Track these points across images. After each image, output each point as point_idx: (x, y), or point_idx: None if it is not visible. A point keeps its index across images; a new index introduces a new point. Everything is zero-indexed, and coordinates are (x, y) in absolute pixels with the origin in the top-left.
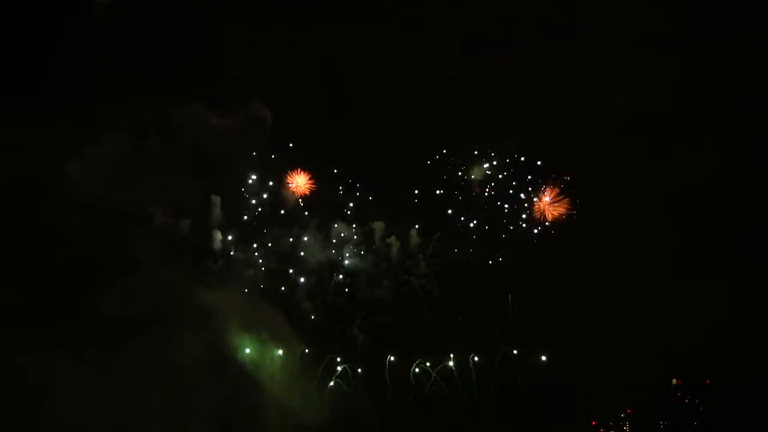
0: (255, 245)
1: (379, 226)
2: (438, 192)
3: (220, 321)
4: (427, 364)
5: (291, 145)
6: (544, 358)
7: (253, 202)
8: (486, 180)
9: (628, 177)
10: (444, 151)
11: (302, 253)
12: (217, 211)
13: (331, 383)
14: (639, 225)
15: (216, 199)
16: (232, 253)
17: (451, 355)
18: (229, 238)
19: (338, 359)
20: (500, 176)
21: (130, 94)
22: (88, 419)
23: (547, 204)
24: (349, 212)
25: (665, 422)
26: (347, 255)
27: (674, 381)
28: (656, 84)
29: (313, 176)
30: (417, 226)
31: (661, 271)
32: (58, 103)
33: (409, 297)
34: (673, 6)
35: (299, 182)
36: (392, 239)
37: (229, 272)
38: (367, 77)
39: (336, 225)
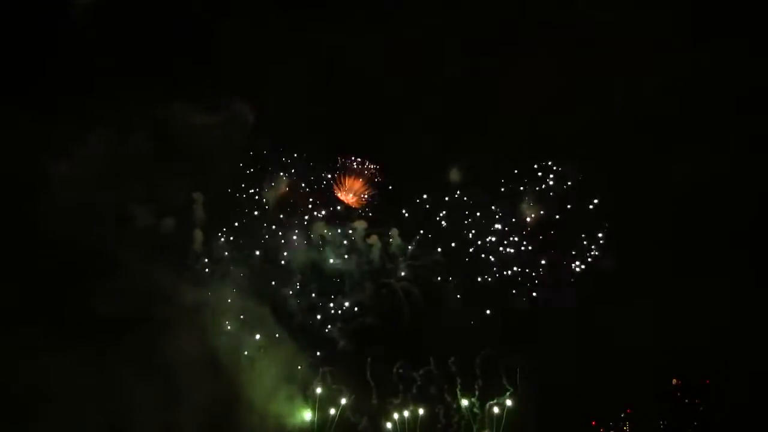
0: (241, 244)
1: (360, 225)
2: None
3: (206, 320)
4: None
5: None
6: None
7: (242, 201)
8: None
9: (630, 177)
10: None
11: (286, 254)
12: (204, 211)
13: (318, 383)
14: (639, 225)
15: (207, 199)
16: (217, 252)
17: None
18: (219, 238)
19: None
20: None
21: (128, 94)
22: (73, 415)
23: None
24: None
25: (665, 422)
26: (330, 256)
27: (674, 381)
28: (658, 85)
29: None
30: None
31: (662, 271)
32: (60, 102)
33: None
34: (676, 6)
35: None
36: (373, 239)
37: (215, 271)
38: (363, 77)
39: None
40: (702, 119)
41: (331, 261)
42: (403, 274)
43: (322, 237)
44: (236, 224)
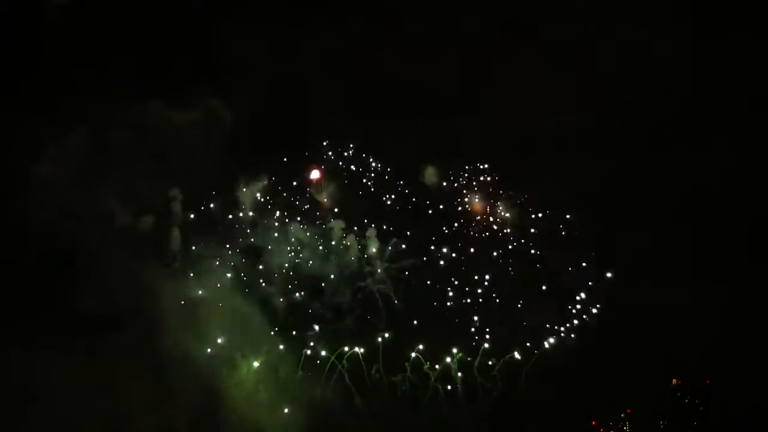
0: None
1: (337, 225)
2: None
3: (188, 318)
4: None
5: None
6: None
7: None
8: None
9: (631, 178)
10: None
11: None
12: (187, 210)
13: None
14: (640, 226)
15: (191, 197)
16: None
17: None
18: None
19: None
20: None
21: (108, 91)
22: (60, 413)
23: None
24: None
25: (665, 422)
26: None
27: (674, 381)
28: (660, 85)
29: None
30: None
31: (662, 271)
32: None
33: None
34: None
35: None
36: (350, 239)
37: (195, 270)
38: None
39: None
40: (704, 121)
41: (309, 262)
42: (380, 276)
43: (300, 238)
44: (218, 222)
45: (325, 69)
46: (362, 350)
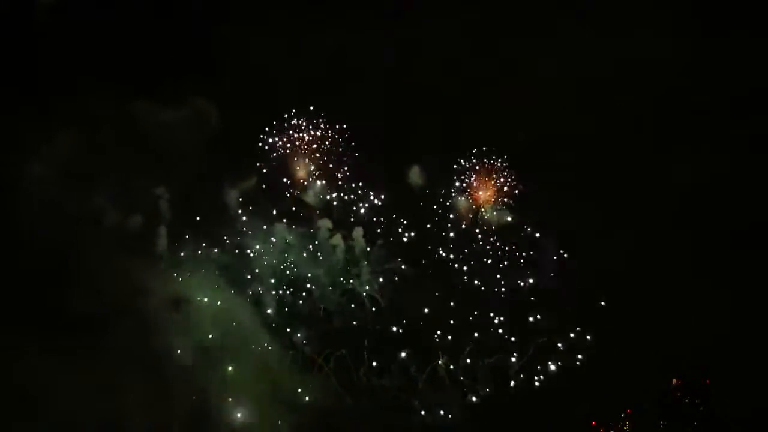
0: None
1: (325, 224)
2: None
3: (178, 319)
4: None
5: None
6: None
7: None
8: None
9: (630, 178)
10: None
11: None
12: (176, 209)
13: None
14: (639, 226)
15: (180, 197)
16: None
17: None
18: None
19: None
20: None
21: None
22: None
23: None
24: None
25: (665, 422)
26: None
27: (674, 381)
28: (660, 85)
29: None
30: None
31: (662, 271)
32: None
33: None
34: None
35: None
36: (336, 239)
37: (187, 268)
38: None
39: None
40: (702, 121)
41: (295, 263)
42: (366, 278)
43: (285, 239)
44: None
45: (325, 69)
46: (348, 352)
